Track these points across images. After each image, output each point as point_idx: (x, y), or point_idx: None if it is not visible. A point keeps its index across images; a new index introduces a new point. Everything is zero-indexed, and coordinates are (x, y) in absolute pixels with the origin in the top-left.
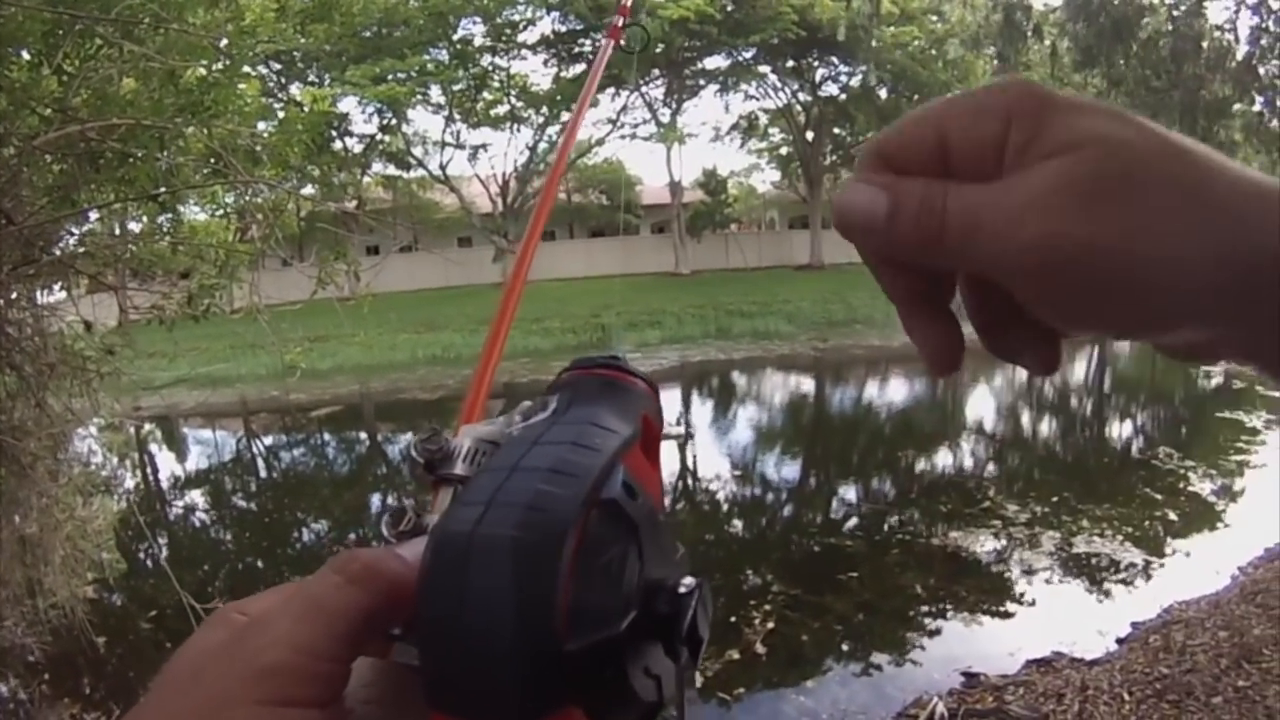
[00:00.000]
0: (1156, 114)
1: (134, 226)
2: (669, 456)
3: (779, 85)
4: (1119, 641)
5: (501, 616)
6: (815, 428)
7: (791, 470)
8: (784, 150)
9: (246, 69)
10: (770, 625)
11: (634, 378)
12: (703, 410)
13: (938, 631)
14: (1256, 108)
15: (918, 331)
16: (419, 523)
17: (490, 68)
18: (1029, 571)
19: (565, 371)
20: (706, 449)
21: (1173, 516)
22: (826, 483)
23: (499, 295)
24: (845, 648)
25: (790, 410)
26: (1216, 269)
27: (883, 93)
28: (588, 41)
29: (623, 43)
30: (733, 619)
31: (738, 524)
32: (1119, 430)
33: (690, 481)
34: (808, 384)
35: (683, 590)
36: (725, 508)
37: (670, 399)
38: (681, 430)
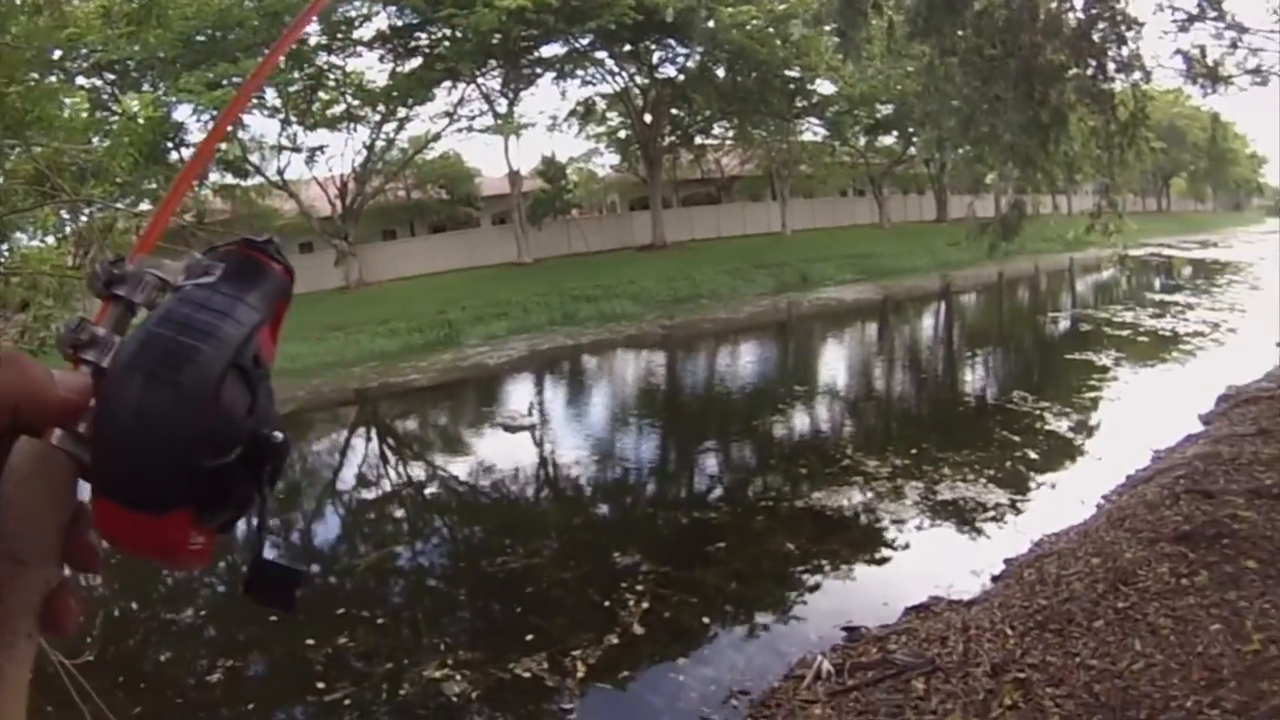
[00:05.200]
0: (989, 80)
1: None
2: (525, 448)
3: (616, 70)
4: (994, 579)
5: (159, 436)
6: (670, 403)
7: (650, 448)
8: (622, 134)
9: (80, 80)
10: (645, 605)
11: (280, 265)
12: (555, 397)
13: (815, 589)
14: (1090, 71)
15: None
16: (93, 332)
17: (326, 67)
18: (898, 521)
19: (231, 243)
20: (563, 435)
21: (1033, 455)
22: (686, 457)
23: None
24: (726, 618)
25: (644, 388)
26: None
27: (720, 72)
28: (424, 35)
29: None
30: (606, 603)
31: (601, 507)
32: (972, 379)
33: (550, 470)
34: (659, 361)
35: (275, 440)
36: (588, 492)
37: (521, 389)
38: (533, 419)
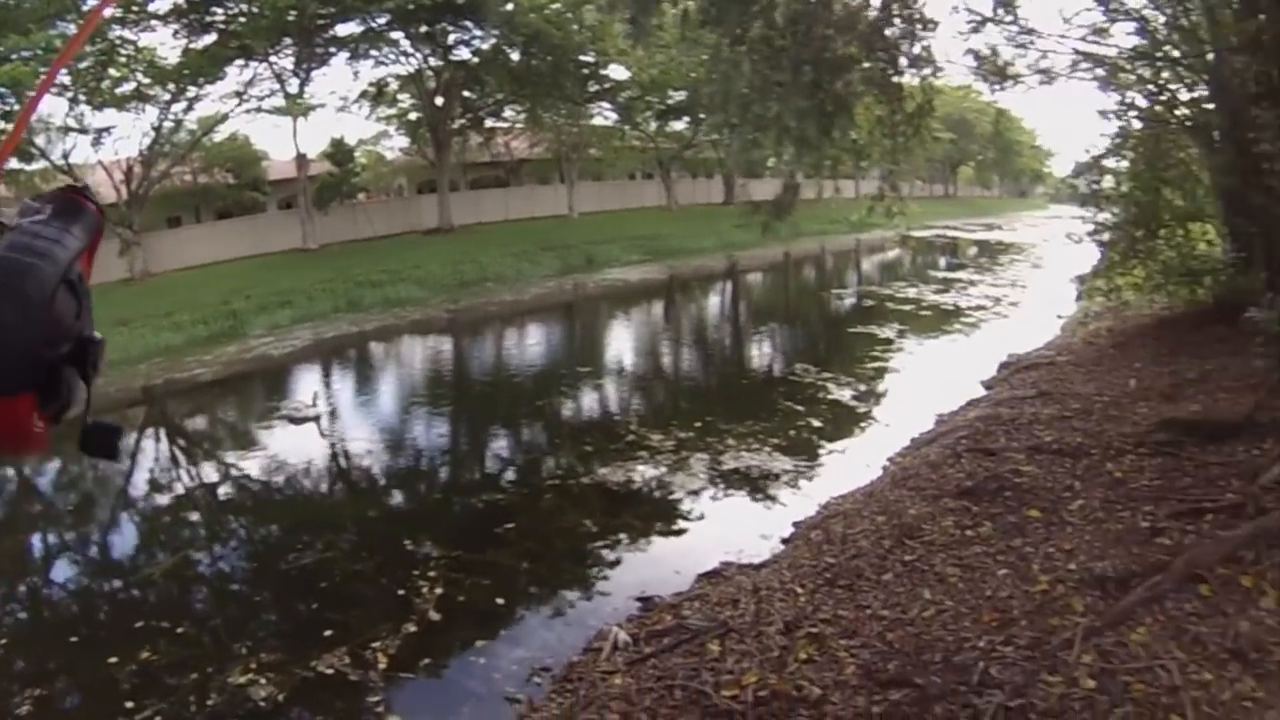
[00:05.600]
0: (776, 68)
1: None
2: (312, 440)
3: (411, 51)
4: (783, 542)
5: (9, 333)
6: (457, 388)
7: (438, 434)
8: (413, 116)
9: None
10: (440, 590)
11: (93, 205)
12: (341, 386)
13: (608, 564)
14: (881, 65)
15: None
16: None
17: (118, 41)
18: (685, 493)
19: (55, 190)
20: (350, 425)
21: (818, 424)
22: (474, 440)
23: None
24: (521, 597)
25: (430, 374)
26: None
27: (515, 55)
28: (220, 10)
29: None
30: (401, 592)
31: (391, 495)
32: (757, 353)
33: (339, 460)
34: (444, 346)
35: (96, 340)
36: (378, 480)
37: (307, 379)
38: (317, 410)
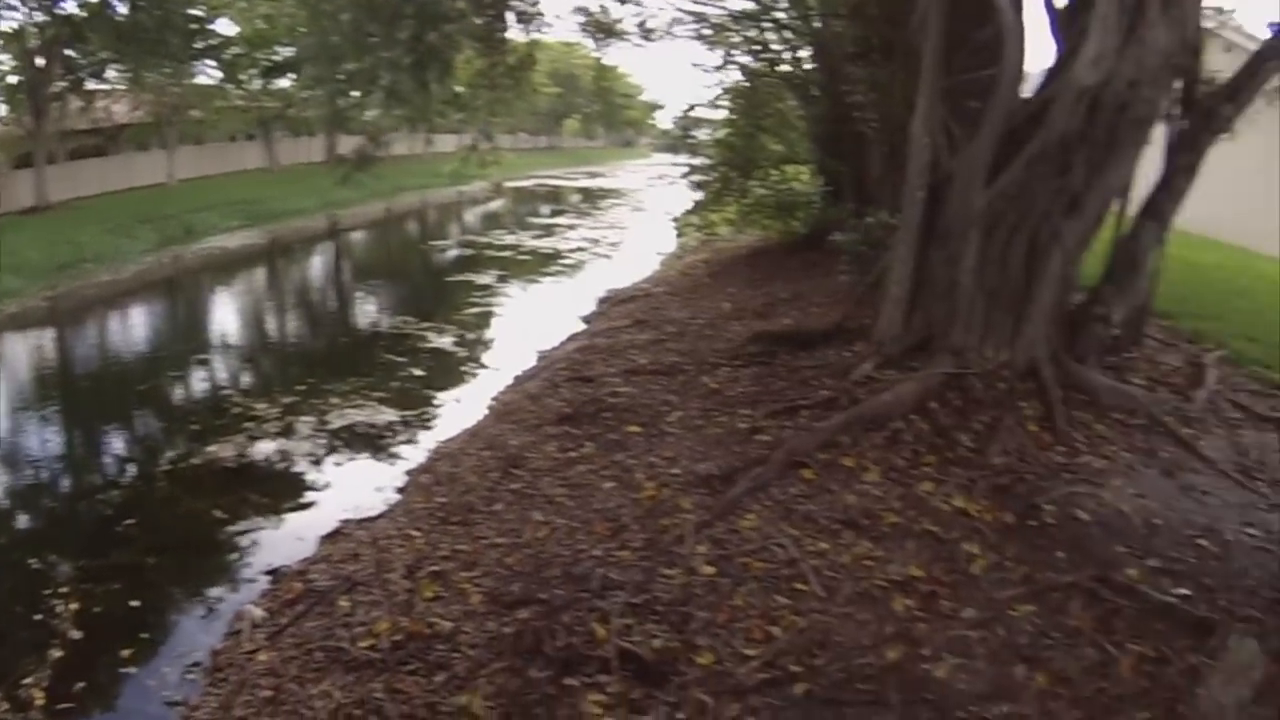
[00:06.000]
0: (373, 19)
1: None
2: None
3: (15, 4)
4: (398, 491)
5: None
6: (61, 385)
7: (44, 438)
8: (13, 80)
9: None
10: (75, 606)
11: None
12: None
13: (235, 545)
14: (487, 20)
15: None
16: None
17: None
18: (298, 458)
19: None
20: None
21: (421, 374)
22: (83, 439)
23: None
24: (154, 596)
25: (33, 373)
26: None
27: (124, 9)
28: None
29: None
30: (37, 617)
31: (5, 516)
32: (359, 311)
33: None
34: (46, 339)
35: None
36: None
37: None
38: None
